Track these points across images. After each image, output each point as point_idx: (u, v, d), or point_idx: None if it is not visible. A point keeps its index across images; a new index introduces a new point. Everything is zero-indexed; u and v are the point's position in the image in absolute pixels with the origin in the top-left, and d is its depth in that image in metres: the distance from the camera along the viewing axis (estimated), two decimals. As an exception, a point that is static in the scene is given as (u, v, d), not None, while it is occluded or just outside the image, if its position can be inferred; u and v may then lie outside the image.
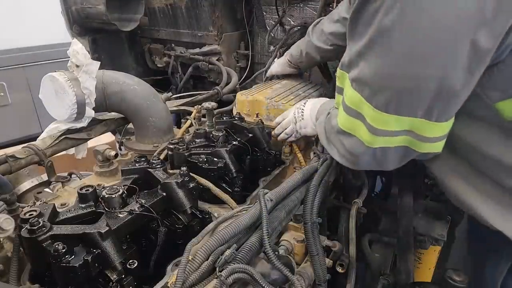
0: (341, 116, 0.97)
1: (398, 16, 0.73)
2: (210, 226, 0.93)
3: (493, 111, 0.82)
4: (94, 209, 0.93)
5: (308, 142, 1.55)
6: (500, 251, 1.07)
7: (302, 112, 1.37)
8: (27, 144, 1.30)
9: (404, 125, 0.84)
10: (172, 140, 1.31)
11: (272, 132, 1.50)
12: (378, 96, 0.83)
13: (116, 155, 1.42)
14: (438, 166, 1.02)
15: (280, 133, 1.48)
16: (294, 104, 1.48)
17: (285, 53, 1.86)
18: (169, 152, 1.29)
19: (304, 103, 1.40)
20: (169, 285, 0.79)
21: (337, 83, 1.02)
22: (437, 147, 0.89)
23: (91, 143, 1.53)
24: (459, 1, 0.69)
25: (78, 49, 1.32)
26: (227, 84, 2.16)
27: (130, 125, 1.69)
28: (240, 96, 1.63)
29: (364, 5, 0.79)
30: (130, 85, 1.56)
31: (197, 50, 2.42)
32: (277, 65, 1.87)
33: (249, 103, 1.59)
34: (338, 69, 0.96)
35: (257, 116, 1.55)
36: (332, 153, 1.07)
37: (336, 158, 1.06)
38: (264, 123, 1.49)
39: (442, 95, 0.78)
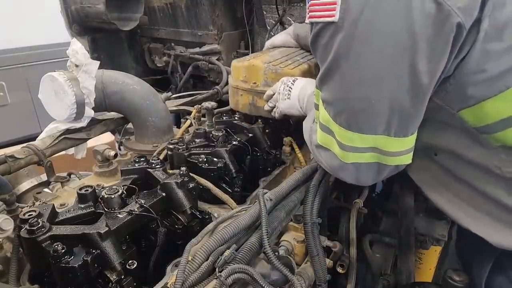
0: (318, 132, 1.03)
1: (345, 50, 0.83)
2: (210, 226, 0.93)
3: (459, 119, 0.87)
4: (93, 209, 0.92)
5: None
6: (483, 250, 1.08)
7: (289, 91, 1.32)
8: (26, 144, 1.30)
9: (368, 142, 0.90)
10: (171, 140, 1.30)
11: (264, 108, 1.47)
12: (340, 116, 0.92)
13: (115, 155, 1.41)
14: (420, 175, 1.07)
15: (270, 110, 1.45)
16: (293, 69, 1.43)
17: (291, 27, 1.76)
18: (169, 152, 1.28)
19: (293, 81, 1.33)
20: (168, 285, 0.79)
21: (314, 100, 1.06)
22: (406, 159, 0.94)
23: (90, 143, 1.52)
24: (395, 34, 0.77)
25: (78, 49, 1.32)
26: (227, 83, 2.14)
27: (130, 125, 1.69)
28: (236, 63, 1.54)
29: (316, 39, 0.89)
30: (130, 85, 1.55)
31: (197, 49, 2.42)
32: (280, 39, 1.76)
33: (246, 69, 1.49)
34: (315, 87, 1.01)
35: (254, 84, 1.47)
36: (319, 162, 1.12)
37: (323, 167, 1.11)
38: (262, 89, 1.45)
39: (395, 113, 0.85)
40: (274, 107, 1.41)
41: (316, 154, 1.09)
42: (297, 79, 1.34)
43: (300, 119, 1.36)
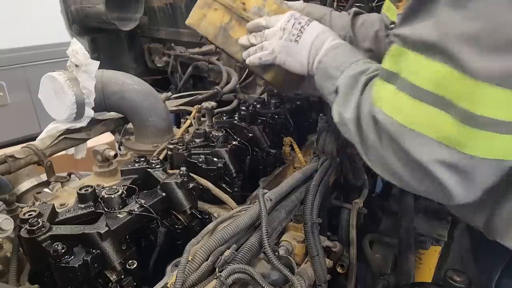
0: (403, 106, 0.63)
1: None
2: (210, 226, 0.93)
3: None
4: (93, 209, 0.92)
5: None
6: (496, 252, 1.07)
7: (300, 31, 0.95)
8: (26, 144, 1.30)
9: None
10: (171, 140, 1.30)
11: (239, 40, 1.07)
12: (489, 61, 0.52)
13: (115, 155, 1.41)
14: None
15: (248, 47, 1.05)
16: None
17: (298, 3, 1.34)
18: (169, 152, 1.28)
19: (309, 21, 0.97)
20: (168, 285, 0.79)
21: (387, 67, 0.69)
22: None
23: (90, 143, 1.52)
24: None
25: (78, 49, 1.32)
26: (227, 83, 2.15)
27: (130, 125, 1.69)
28: None
29: None
30: (130, 85, 1.55)
31: (196, 49, 2.42)
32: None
33: None
34: (393, 46, 0.68)
35: (242, 4, 1.06)
36: (368, 154, 0.74)
37: (374, 167, 0.74)
38: (250, 16, 1.04)
39: None
40: (255, 47, 1.04)
41: (382, 148, 0.69)
42: (313, 21, 0.98)
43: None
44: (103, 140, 2.15)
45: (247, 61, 1.08)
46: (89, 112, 1.39)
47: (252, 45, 1.05)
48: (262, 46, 1.03)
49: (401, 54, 0.63)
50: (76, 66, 1.33)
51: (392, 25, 1.01)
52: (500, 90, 0.51)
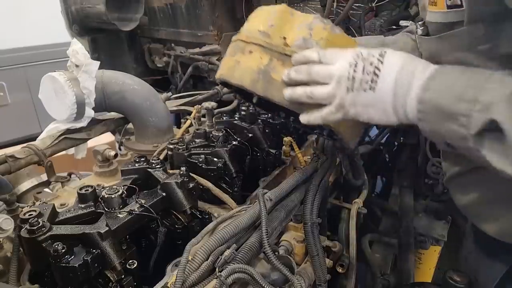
0: None
1: None
2: (210, 226, 0.93)
3: None
4: (93, 209, 0.92)
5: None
6: (498, 255, 1.07)
7: (376, 74, 0.69)
8: (26, 144, 1.30)
9: None
10: (171, 140, 1.30)
11: (284, 75, 0.82)
12: None
13: (115, 155, 1.41)
14: None
15: (296, 88, 0.78)
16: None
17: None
18: (169, 152, 1.28)
19: (381, 56, 0.70)
20: (168, 285, 0.79)
21: None
22: None
23: (90, 143, 1.52)
24: None
25: (78, 49, 1.32)
26: (227, 84, 2.15)
27: (130, 125, 1.69)
28: (265, 6, 0.97)
29: None
30: (130, 85, 1.55)
31: (197, 49, 2.42)
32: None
33: (279, 13, 0.88)
34: None
35: (284, 39, 0.84)
36: None
37: None
38: (294, 51, 0.82)
39: None
40: (304, 90, 0.77)
41: None
42: (386, 52, 0.71)
43: None
44: (103, 140, 2.15)
45: (301, 117, 0.80)
46: (90, 112, 1.39)
47: (298, 83, 0.78)
48: (316, 92, 0.76)
49: None
50: (77, 66, 1.33)
51: (422, 27, 0.81)
52: None
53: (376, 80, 0.69)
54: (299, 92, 0.76)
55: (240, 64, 0.90)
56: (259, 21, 0.91)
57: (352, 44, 0.80)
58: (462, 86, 0.61)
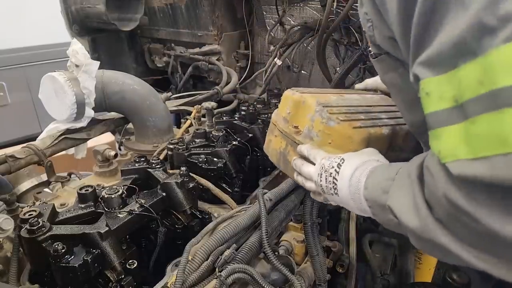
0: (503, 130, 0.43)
1: None
2: (210, 226, 0.93)
3: None
4: (93, 209, 0.92)
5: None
6: None
7: (335, 184, 0.80)
8: (26, 144, 1.30)
9: None
10: (171, 140, 1.30)
11: (292, 163, 0.95)
12: None
13: (115, 155, 1.41)
14: None
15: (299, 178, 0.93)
16: (355, 129, 0.90)
17: None
18: (169, 152, 1.28)
19: (338, 167, 0.80)
20: (168, 285, 0.79)
21: (440, 107, 0.50)
22: None
23: (90, 143, 1.53)
24: None
25: (78, 49, 1.32)
26: (227, 83, 2.15)
27: (130, 125, 1.69)
28: (288, 91, 1.06)
29: None
30: (130, 85, 1.55)
31: (197, 49, 2.42)
32: (374, 79, 1.23)
33: (293, 103, 1.00)
34: (422, 85, 0.52)
35: (295, 128, 0.98)
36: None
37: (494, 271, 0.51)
38: (300, 140, 0.95)
39: None
40: (301, 179, 0.92)
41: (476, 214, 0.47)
42: (343, 160, 0.80)
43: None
44: (103, 140, 2.15)
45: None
46: (89, 112, 1.39)
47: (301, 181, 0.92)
48: (306, 185, 0.90)
49: (442, 83, 0.48)
50: (77, 66, 1.33)
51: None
52: None
53: (336, 188, 0.79)
54: (299, 179, 0.93)
55: (271, 143, 1.08)
56: (282, 107, 1.06)
57: (346, 133, 0.90)
58: (384, 179, 0.70)
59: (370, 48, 0.81)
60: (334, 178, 0.80)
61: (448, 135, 0.49)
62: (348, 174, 0.77)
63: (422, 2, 0.49)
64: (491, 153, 0.43)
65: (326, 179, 0.82)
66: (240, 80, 2.31)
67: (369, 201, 0.73)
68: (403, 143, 0.99)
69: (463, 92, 0.46)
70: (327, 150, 0.88)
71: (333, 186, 0.80)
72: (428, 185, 0.55)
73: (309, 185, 0.89)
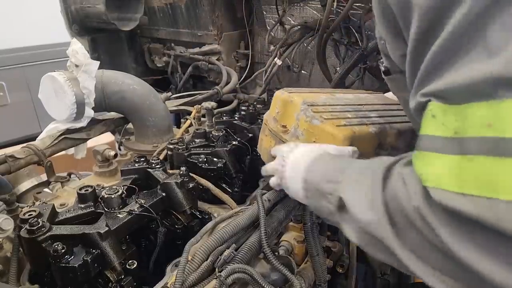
0: (493, 175, 0.44)
1: None
2: (209, 225, 0.93)
3: None
4: (93, 209, 0.92)
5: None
6: None
7: (283, 166, 0.84)
8: (26, 144, 1.30)
9: None
10: (171, 140, 1.30)
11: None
12: None
13: (115, 155, 1.41)
14: None
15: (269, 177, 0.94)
16: (339, 127, 0.91)
17: None
18: (169, 152, 1.28)
19: (293, 148, 0.86)
20: (168, 285, 0.79)
21: (438, 133, 0.50)
22: None
23: (90, 143, 1.52)
24: None
25: (78, 49, 1.32)
26: (227, 83, 2.15)
27: (130, 125, 1.69)
28: (278, 92, 1.09)
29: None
30: (130, 85, 1.55)
31: (196, 49, 2.42)
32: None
33: (281, 102, 1.03)
34: (430, 107, 0.51)
35: (283, 127, 1.01)
36: (423, 258, 0.53)
37: (432, 275, 0.52)
38: (286, 139, 0.98)
39: None
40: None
41: (448, 248, 0.48)
42: (297, 146, 0.86)
43: None
44: (103, 140, 2.15)
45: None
46: (89, 112, 1.39)
47: (274, 182, 0.94)
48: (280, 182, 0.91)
49: (448, 113, 0.47)
50: (76, 66, 1.33)
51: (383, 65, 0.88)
52: None
53: (284, 170, 0.85)
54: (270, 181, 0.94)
55: (262, 142, 1.11)
56: (272, 107, 1.08)
57: (329, 131, 0.91)
58: (331, 170, 0.73)
59: (381, 60, 0.80)
60: (284, 159, 0.85)
61: (438, 162, 0.49)
62: (295, 157, 0.83)
63: (443, 37, 0.47)
64: (479, 194, 0.44)
65: (279, 162, 0.86)
66: (240, 80, 2.31)
67: (307, 184, 0.77)
68: (394, 141, 0.99)
69: (467, 128, 0.46)
70: None
71: (282, 167, 0.84)
72: (397, 191, 0.56)
73: (271, 180, 0.91)
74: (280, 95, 1.06)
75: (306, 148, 0.84)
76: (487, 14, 0.44)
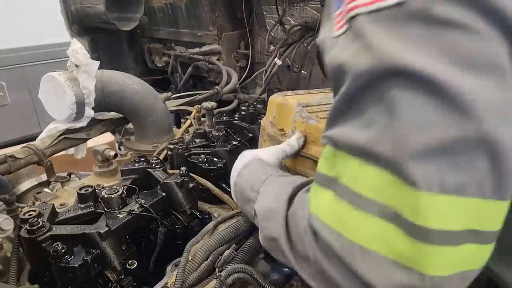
0: (347, 217, 0.51)
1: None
2: (210, 225, 0.93)
3: None
4: (93, 209, 0.92)
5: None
6: None
7: (236, 166, 0.90)
8: (26, 144, 1.30)
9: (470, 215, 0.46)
10: (171, 140, 1.30)
11: None
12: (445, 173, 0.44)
13: (115, 155, 1.41)
14: None
15: None
16: None
17: None
18: (169, 152, 1.28)
19: (243, 154, 0.92)
20: (168, 285, 0.79)
21: (324, 171, 0.57)
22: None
23: (90, 143, 1.52)
24: None
25: (78, 49, 1.32)
26: (227, 83, 2.15)
27: (130, 125, 1.69)
28: (272, 96, 1.11)
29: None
30: (130, 85, 1.55)
31: (197, 49, 2.42)
32: None
33: (277, 106, 1.06)
34: (326, 148, 0.57)
35: (280, 131, 1.04)
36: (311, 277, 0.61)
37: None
38: (280, 140, 1.01)
39: None
40: None
41: (322, 269, 0.56)
42: (244, 152, 0.93)
43: None
44: (103, 140, 2.15)
45: None
46: (89, 112, 1.39)
47: None
48: None
49: (336, 157, 0.53)
50: (76, 66, 1.33)
51: None
52: (444, 198, 0.43)
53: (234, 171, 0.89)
54: None
55: (262, 147, 1.12)
56: (268, 112, 1.11)
57: (320, 130, 0.92)
58: (255, 178, 0.80)
59: None
60: (238, 161, 0.91)
61: (322, 196, 0.56)
62: (238, 159, 0.90)
63: (336, 98, 0.52)
64: (342, 233, 0.51)
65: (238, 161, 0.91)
66: (240, 80, 2.31)
67: (236, 187, 0.85)
68: None
69: (343, 175, 0.53)
70: (315, 150, 0.93)
71: (234, 169, 0.91)
72: (296, 211, 0.64)
73: None
74: (274, 99, 1.08)
75: (250, 151, 0.92)
76: (361, 94, 0.48)
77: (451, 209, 0.44)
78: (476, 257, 0.48)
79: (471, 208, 0.44)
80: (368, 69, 0.46)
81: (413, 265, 0.46)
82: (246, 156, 0.89)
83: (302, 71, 2.17)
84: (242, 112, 1.52)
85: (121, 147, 1.70)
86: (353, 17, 0.47)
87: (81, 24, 2.29)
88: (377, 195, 0.48)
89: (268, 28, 2.21)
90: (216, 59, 2.34)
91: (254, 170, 0.83)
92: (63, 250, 0.78)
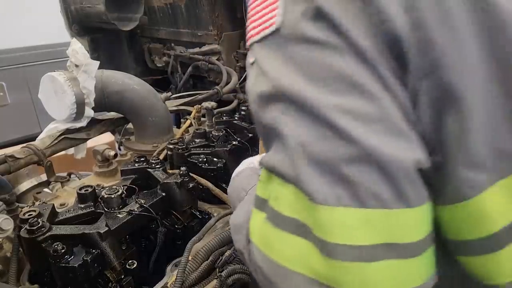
0: (271, 238, 0.52)
1: None
2: (211, 223, 0.93)
3: None
4: (93, 209, 0.92)
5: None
6: None
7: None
8: (26, 144, 1.30)
9: (383, 228, 0.45)
10: (171, 140, 1.30)
11: None
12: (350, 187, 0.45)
13: (115, 155, 1.41)
14: None
15: None
16: None
17: None
18: (169, 152, 1.28)
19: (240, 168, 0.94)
20: (168, 285, 0.79)
21: (258, 193, 0.58)
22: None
23: (90, 143, 1.52)
24: None
25: (78, 49, 1.32)
26: (227, 83, 2.15)
27: (130, 125, 1.69)
28: None
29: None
30: (130, 85, 1.55)
31: (196, 49, 2.42)
32: None
33: None
34: (262, 172, 0.58)
35: None
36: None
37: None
38: None
39: None
40: None
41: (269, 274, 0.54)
42: (245, 160, 0.94)
43: None
44: (103, 140, 2.15)
45: None
46: (89, 112, 1.39)
47: None
48: None
49: (269, 180, 0.54)
50: (76, 66, 1.33)
51: None
52: (342, 210, 0.43)
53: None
54: None
55: (261, 150, 1.09)
56: None
57: None
58: (241, 189, 0.80)
59: None
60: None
61: (256, 216, 0.57)
62: (238, 167, 0.91)
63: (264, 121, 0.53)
64: (269, 255, 0.51)
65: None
66: (240, 80, 2.31)
67: (229, 195, 0.87)
68: None
69: (270, 195, 0.53)
70: None
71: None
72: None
73: None
74: None
75: (249, 158, 0.94)
76: (263, 118, 0.51)
77: (353, 222, 0.43)
78: (402, 274, 0.44)
79: (377, 220, 0.43)
80: (261, 93, 0.49)
81: (330, 283, 0.44)
82: (243, 163, 0.91)
83: (302, 71, 2.17)
84: (242, 112, 1.52)
85: (121, 147, 1.70)
86: (251, 46, 0.52)
87: (81, 24, 2.29)
88: (293, 213, 0.48)
89: (268, 28, 2.21)
90: (216, 59, 2.34)
91: (244, 178, 0.84)
92: (63, 250, 0.78)
